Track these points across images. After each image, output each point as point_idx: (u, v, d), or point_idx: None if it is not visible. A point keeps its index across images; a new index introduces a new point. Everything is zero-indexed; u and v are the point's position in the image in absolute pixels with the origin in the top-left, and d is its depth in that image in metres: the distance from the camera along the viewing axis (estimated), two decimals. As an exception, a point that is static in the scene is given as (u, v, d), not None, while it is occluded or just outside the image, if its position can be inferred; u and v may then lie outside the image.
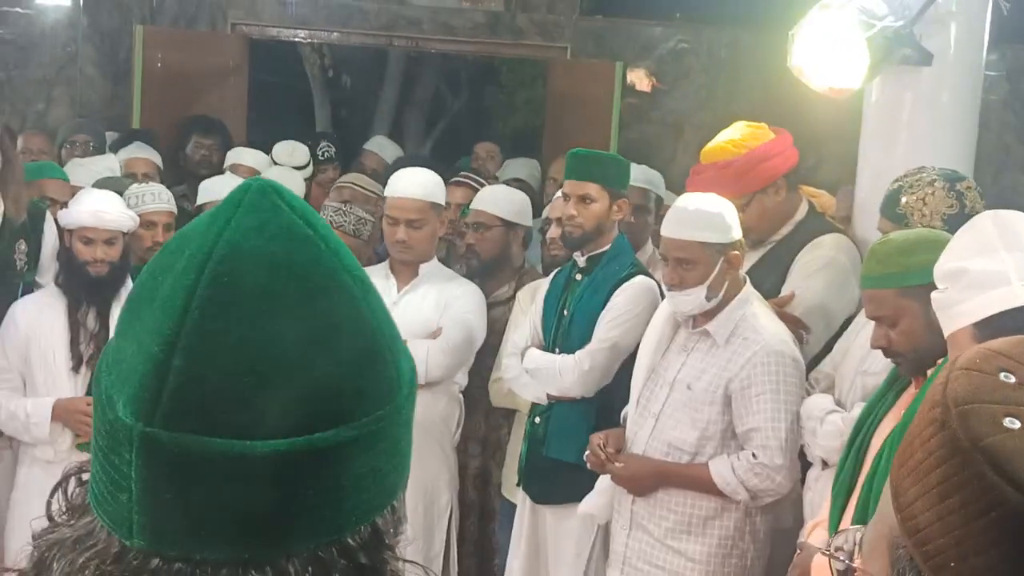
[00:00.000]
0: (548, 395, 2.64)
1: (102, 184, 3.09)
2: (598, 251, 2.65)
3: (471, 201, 3.17)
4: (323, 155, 4.39)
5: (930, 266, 1.65)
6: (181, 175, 4.27)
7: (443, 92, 9.30)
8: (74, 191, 2.97)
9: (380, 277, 2.83)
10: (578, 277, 2.69)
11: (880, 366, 2.05)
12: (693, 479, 2.31)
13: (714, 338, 2.31)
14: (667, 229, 2.33)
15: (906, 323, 1.81)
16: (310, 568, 0.57)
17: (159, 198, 3.03)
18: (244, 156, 4.10)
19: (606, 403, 2.59)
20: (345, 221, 3.08)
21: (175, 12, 5.09)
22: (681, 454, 2.33)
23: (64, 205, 2.80)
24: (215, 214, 0.59)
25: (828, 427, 2.18)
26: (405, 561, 0.62)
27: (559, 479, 2.63)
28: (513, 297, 2.99)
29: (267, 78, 7.57)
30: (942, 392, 0.63)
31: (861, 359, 2.23)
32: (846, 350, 2.36)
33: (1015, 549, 0.58)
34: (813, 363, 2.46)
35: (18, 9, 4.87)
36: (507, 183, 3.77)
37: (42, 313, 2.63)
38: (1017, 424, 0.60)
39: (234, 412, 0.56)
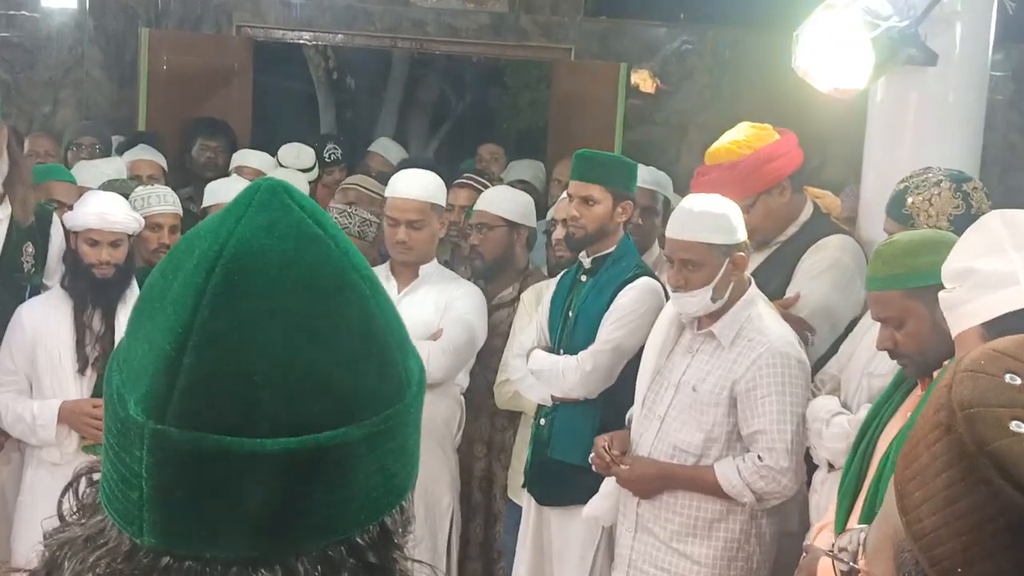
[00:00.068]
0: (552, 396, 2.64)
1: (108, 186, 3.10)
2: (603, 252, 2.65)
3: (475, 203, 3.17)
4: (330, 157, 4.40)
5: (936, 267, 1.64)
6: (187, 177, 4.28)
7: (447, 94, 9.30)
8: (81, 193, 2.98)
9: (380, 278, 2.82)
10: (583, 278, 2.69)
11: (886, 368, 2.05)
12: (698, 481, 2.31)
13: (719, 340, 2.31)
14: (672, 230, 2.33)
15: (912, 324, 1.80)
16: (319, 567, 0.57)
17: (164, 200, 3.04)
18: (249, 158, 4.10)
19: (611, 405, 2.58)
20: (349, 223, 3.08)
21: (180, 15, 5.11)
22: (686, 456, 2.33)
23: (71, 208, 2.81)
24: (226, 214, 0.59)
25: (834, 429, 2.17)
26: (414, 561, 0.62)
27: (564, 481, 2.63)
28: (517, 299, 2.99)
29: (272, 80, 7.58)
30: (947, 395, 0.63)
31: (867, 361, 2.23)
32: (852, 352, 2.36)
33: (1023, 554, 0.58)
34: (819, 365, 2.46)
35: (24, 12, 4.89)
36: (511, 185, 3.78)
37: (48, 315, 2.63)
38: (1023, 428, 0.60)
39: (244, 410, 0.56)
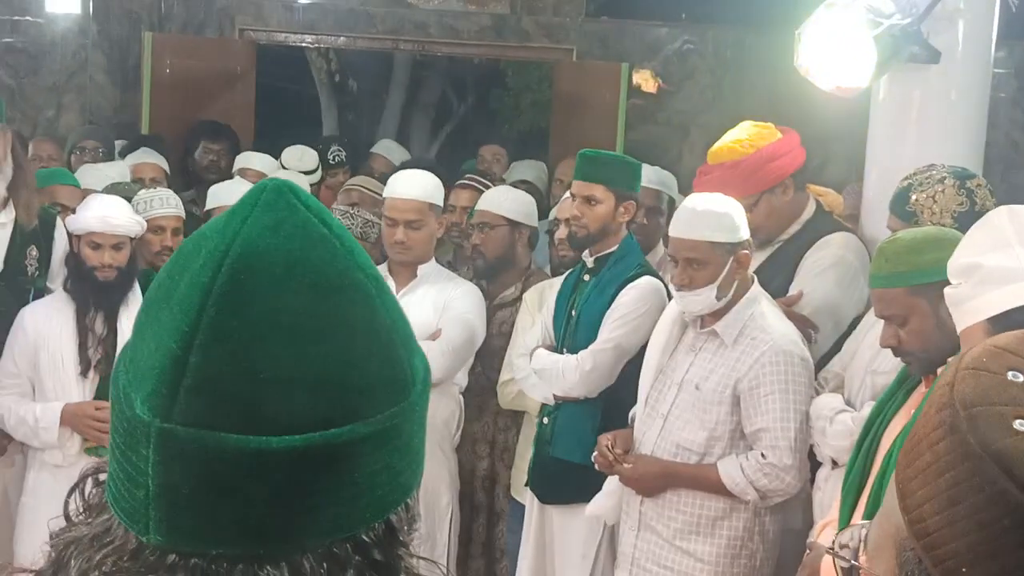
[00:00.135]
0: (554, 395, 2.64)
1: (111, 189, 3.10)
2: (605, 252, 2.65)
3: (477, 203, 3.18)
4: (334, 159, 4.40)
5: (940, 264, 1.64)
6: (190, 180, 4.29)
7: (449, 95, 9.31)
8: (85, 197, 2.99)
9: (380, 279, 2.83)
10: (586, 278, 2.69)
11: (890, 365, 2.04)
12: (702, 480, 2.31)
13: (722, 338, 2.31)
14: (676, 230, 2.33)
15: (916, 322, 1.80)
16: (325, 564, 0.58)
17: (167, 203, 3.04)
18: (252, 161, 4.11)
19: (613, 404, 2.58)
20: (352, 224, 3.08)
21: (183, 19, 5.12)
22: (690, 454, 2.33)
23: (75, 211, 2.82)
24: (232, 214, 0.60)
25: (838, 427, 2.17)
26: (419, 558, 0.62)
27: (565, 479, 2.63)
28: (520, 298, 2.99)
29: (274, 83, 7.59)
30: (949, 393, 0.63)
31: (870, 358, 2.22)
32: (855, 349, 2.35)
33: None
34: (822, 363, 2.46)
35: (28, 17, 4.90)
36: (513, 185, 3.78)
37: (50, 318, 2.64)
38: None
39: (250, 408, 0.56)
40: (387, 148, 4.97)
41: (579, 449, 2.57)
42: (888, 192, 2.36)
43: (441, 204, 2.92)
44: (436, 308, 2.78)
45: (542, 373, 2.63)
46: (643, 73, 5.00)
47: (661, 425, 2.37)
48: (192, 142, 4.41)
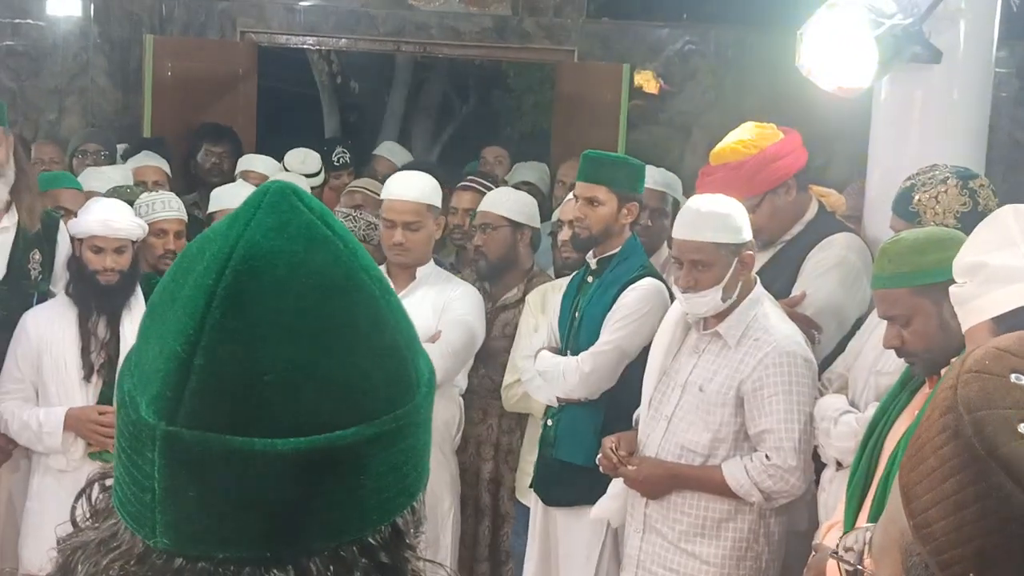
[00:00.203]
0: (557, 397, 2.64)
1: (113, 193, 3.10)
2: (608, 253, 2.65)
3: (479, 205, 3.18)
4: (338, 161, 4.41)
5: (943, 264, 1.64)
6: (192, 183, 4.29)
7: (451, 97, 9.31)
8: (87, 200, 2.99)
9: (380, 280, 2.83)
10: (589, 279, 2.69)
11: (893, 366, 2.04)
12: (706, 481, 2.30)
13: (725, 339, 2.31)
14: (680, 232, 2.32)
15: (919, 322, 1.80)
16: (331, 567, 0.57)
17: (169, 206, 3.04)
18: (255, 163, 4.11)
19: (615, 406, 2.58)
20: (355, 226, 3.08)
21: (185, 21, 5.13)
22: (694, 456, 2.33)
23: (77, 215, 2.82)
24: (236, 216, 0.60)
25: (842, 428, 2.17)
26: (426, 561, 0.62)
27: (569, 481, 2.63)
28: (522, 300, 2.99)
29: (276, 85, 7.60)
30: (952, 397, 0.62)
31: (874, 359, 2.22)
32: (859, 350, 2.35)
33: None
34: (825, 363, 2.46)
35: (30, 20, 4.91)
36: (516, 187, 3.78)
37: (53, 323, 2.64)
38: None
39: (255, 410, 0.56)
40: (390, 150, 4.97)
41: (581, 451, 2.56)
42: (890, 192, 2.36)
43: (439, 205, 2.92)
44: (435, 310, 2.78)
45: (545, 375, 2.63)
46: (644, 74, 5.00)
47: (665, 427, 2.37)
48: (194, 145, 4.41)
